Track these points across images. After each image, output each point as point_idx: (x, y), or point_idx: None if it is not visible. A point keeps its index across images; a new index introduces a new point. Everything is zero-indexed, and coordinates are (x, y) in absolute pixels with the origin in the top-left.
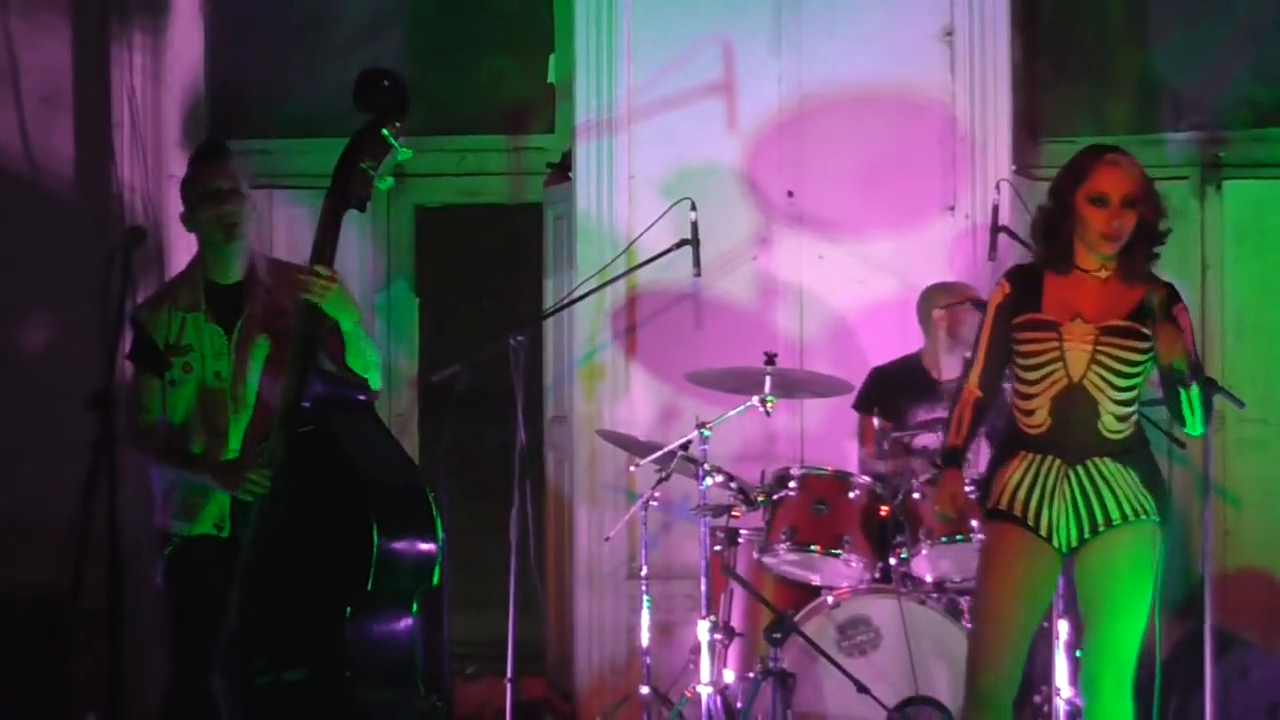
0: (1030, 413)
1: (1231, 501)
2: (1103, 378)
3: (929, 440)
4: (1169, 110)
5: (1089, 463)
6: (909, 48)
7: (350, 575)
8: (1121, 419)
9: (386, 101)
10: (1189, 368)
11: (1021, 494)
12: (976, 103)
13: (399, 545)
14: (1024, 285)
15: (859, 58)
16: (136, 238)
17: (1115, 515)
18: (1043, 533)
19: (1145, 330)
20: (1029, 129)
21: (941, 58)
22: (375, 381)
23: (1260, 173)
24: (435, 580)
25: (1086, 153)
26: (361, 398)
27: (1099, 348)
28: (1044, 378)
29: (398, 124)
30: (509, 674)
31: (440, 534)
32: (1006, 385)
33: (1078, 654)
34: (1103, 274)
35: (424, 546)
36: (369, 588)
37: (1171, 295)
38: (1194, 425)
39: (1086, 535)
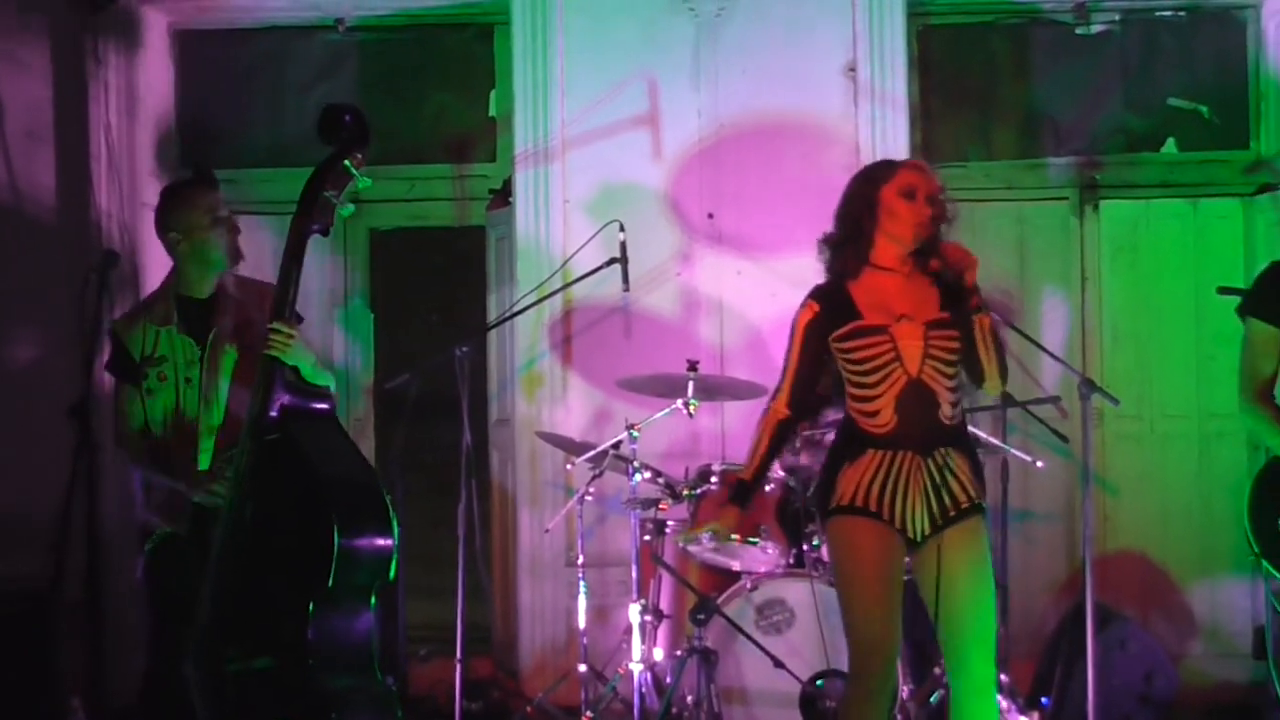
0: (874, 414)
1: (1110, 490)
2: (936, 369)
3: None
4: (1050, 137)
5: (937, 453)
6: (816, 83)
7: (313, 572)
8: (954, 405)
9: (348, 135)
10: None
11: (875, 489)
12: (877, 132)
13: (358, 544)
14: (831, 301)
15: (770, 92)
16: (111, 260)
17: (963, 498)
18: (895, 524)
19: (956, 319)
20: (925, 155)
21: (845, 91)
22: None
23: (1133, 193)
24: (392, 575)
25: (885, 161)
26: (323, 406)
27: (929, 342)
28: (884, 379)
29: (359, 155)
30: (458, 655)
31: (396, 533)
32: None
33: None
34: (904, 270)
35: (381, 544)
36: (330, 583)
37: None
38: (993, 382)
39: (939, 523)
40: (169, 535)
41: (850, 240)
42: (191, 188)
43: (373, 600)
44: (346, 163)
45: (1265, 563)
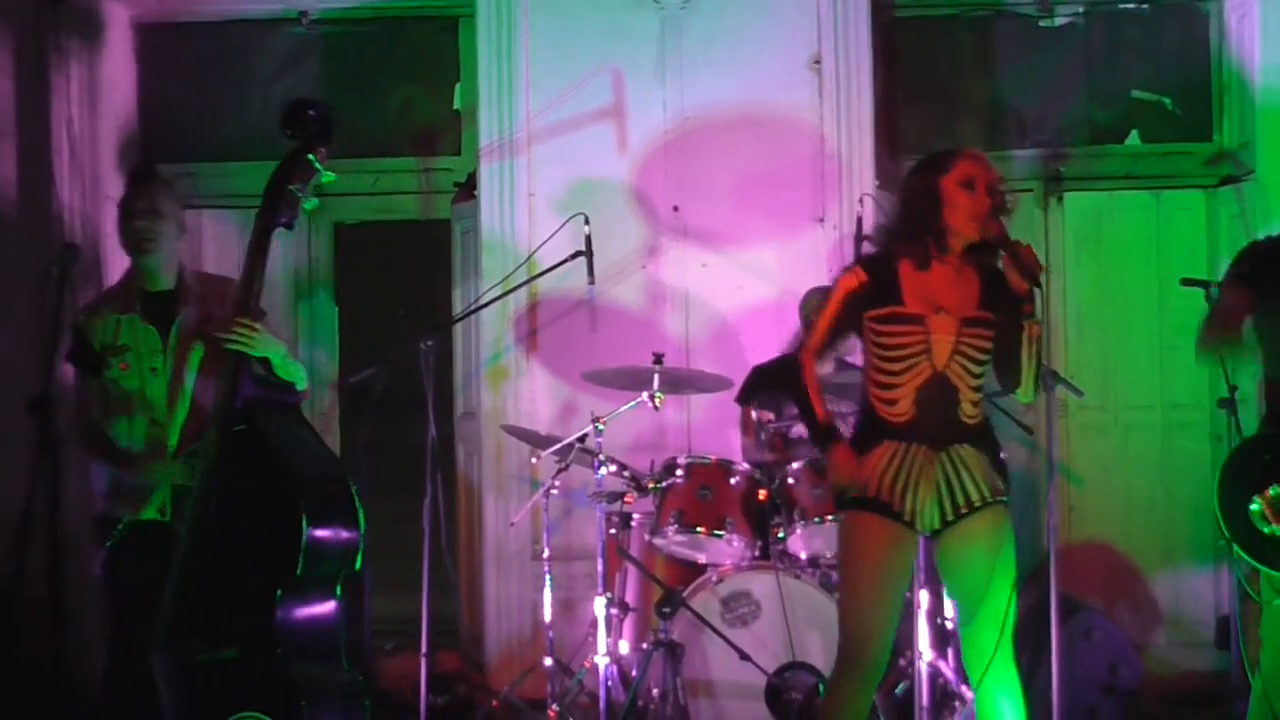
0: (893, 402)
1: (1075, 481)
2: (963, 366)
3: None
4: (1015, 130)
5: (951, 449)
6: (781, 75)
7: (281, 561)
8: (975, 404)
9: (312, 129)
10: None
11: (888, 481)
12: (842, 124)
13: (325, 534)
14: (879, 275)
15: (736, 85)
16: (72, 254)
17: (975, 497)
18: (906, 517)
19: (993, 319)
20: (890, 148)
21: (811, 84)
22: (302, 382)
23: (1097, 185)
24: (358, 565)
25: (945, 150)
26: (289, 399)
27: (961, 339)
28: (909, 369)
29: (322, 149)
30: (424, 649)
31: (362, 523)
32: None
33: (938, 621)
34: (954, 262)
35: (348, 535)
36: (298, 572)
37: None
38: (1026, 390)
39: (950, 518)
40: (132, 528)
41: (919, 233)
42: (126, 182)
43: (338, 590)
44: (311, 157)
45: (1235, 547)
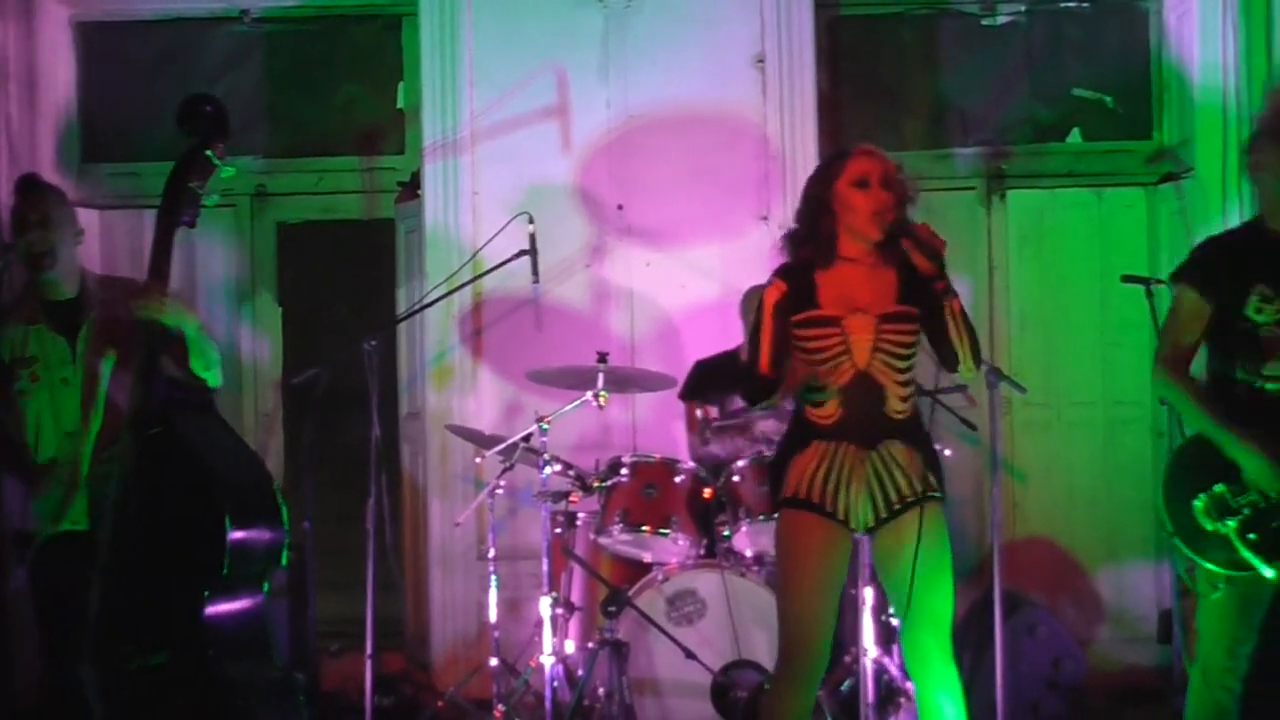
0: (822, 404)
1: (1018, 477)
2: (886, 363)
3: (768, 426)
4: (958, 128)
5: (881, 446)
6: (725, 74)
7: (206, 562)
8: (904, 399)
9: (209, 125)
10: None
11: (819, 481)
12: (786, 123)
13: (249, 532)
14: (797, 282)
15: (679, 83)
16: (7, 253)
17: (907, 492)
18: (840, 516)
19: (914, 311)
20: (833, 146)
21: (754, 83)
22: (215, 380)
23: (1039, 183)
24: (283, 561)
25: (836, 153)
26: (203, 398)
27: (880, 336)
28: (832, 370)
29: (220, 145)
30: (369, 650)
31: (285, 519)
32: None
33: (883, 618)
34: (868, 260)
35: (271, 532)
36: (224, 573)
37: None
38: (966, 365)
39: (882, 515)
40: (50, 541)
41: (811, 240)
42: (13, 193)
43: (265, 586)
44: (209, 153)
45: (1177, 540)
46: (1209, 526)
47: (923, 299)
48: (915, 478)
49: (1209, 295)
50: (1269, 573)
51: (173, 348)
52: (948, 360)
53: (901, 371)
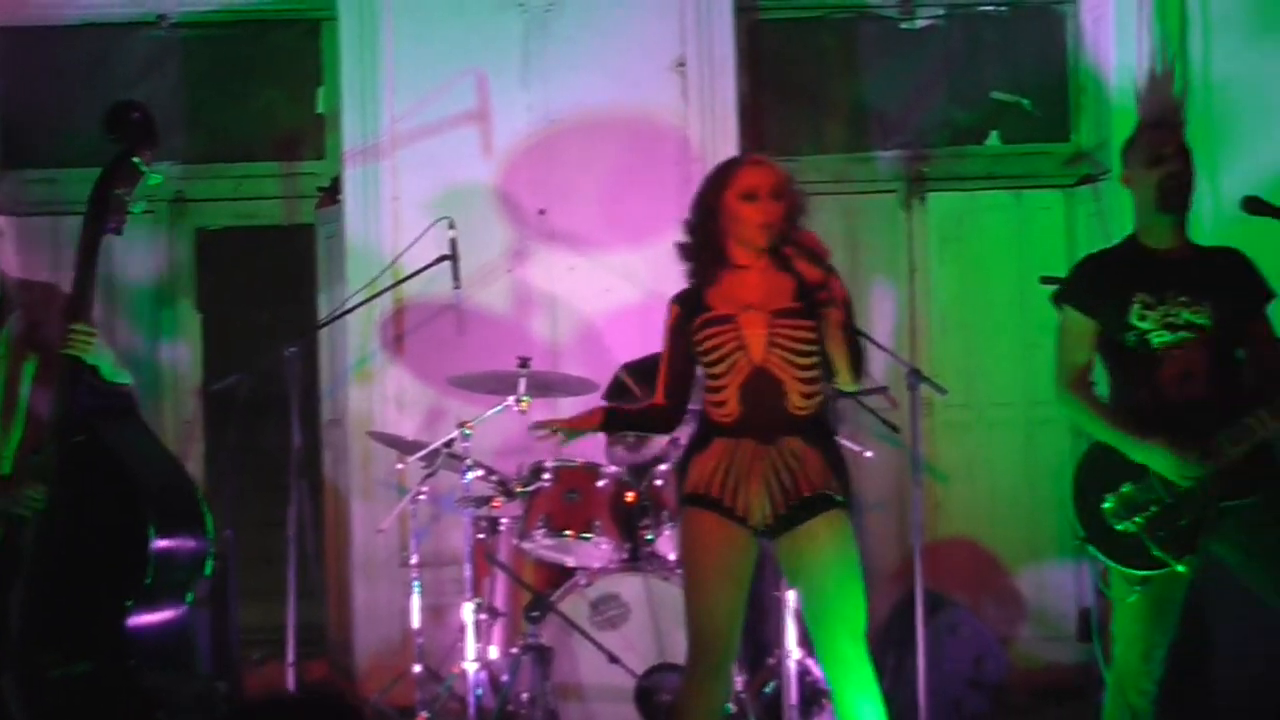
0: (721, 403)
1: (940, 478)
2: (784, 359)
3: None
4: (878, 131)
5: (780, 443)
6: (645, 78)
7: (128, 571)
8: (807, 396)
9: (136, 132)
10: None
11: (719, 478)
12: (707, 127)
13: (173, 541)
14: (690, 303)
15: (601, 87)
16: None
17: (806, 491)
18: (739, 513)
19: (808, 309)
20: (754, 149)
21: (675, 87)
22: (127, 377)
23: (959, 185)
24: (208, 571)
25: (726, 162)
26: (125, 404)
27: (774, 330)
28: (730, 368)
29: (147, 152)
30: (291, 658)
31: (210, 528)
32: None
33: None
34: (760, 264)
35: (196, 540)
36: (147, 581)
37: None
38: (844, 377)
39: (780, 511)
40: None
41: (700, 250)
42: None
43: (189, 596)
44: (136, 160)
45: (1090, 547)
46: (1119, 527)
47: (813, 303)
48: (814, 475)
49: (1092, 311)
50: (1181, 568)
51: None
52: (827, 369)
53: (802, 369)
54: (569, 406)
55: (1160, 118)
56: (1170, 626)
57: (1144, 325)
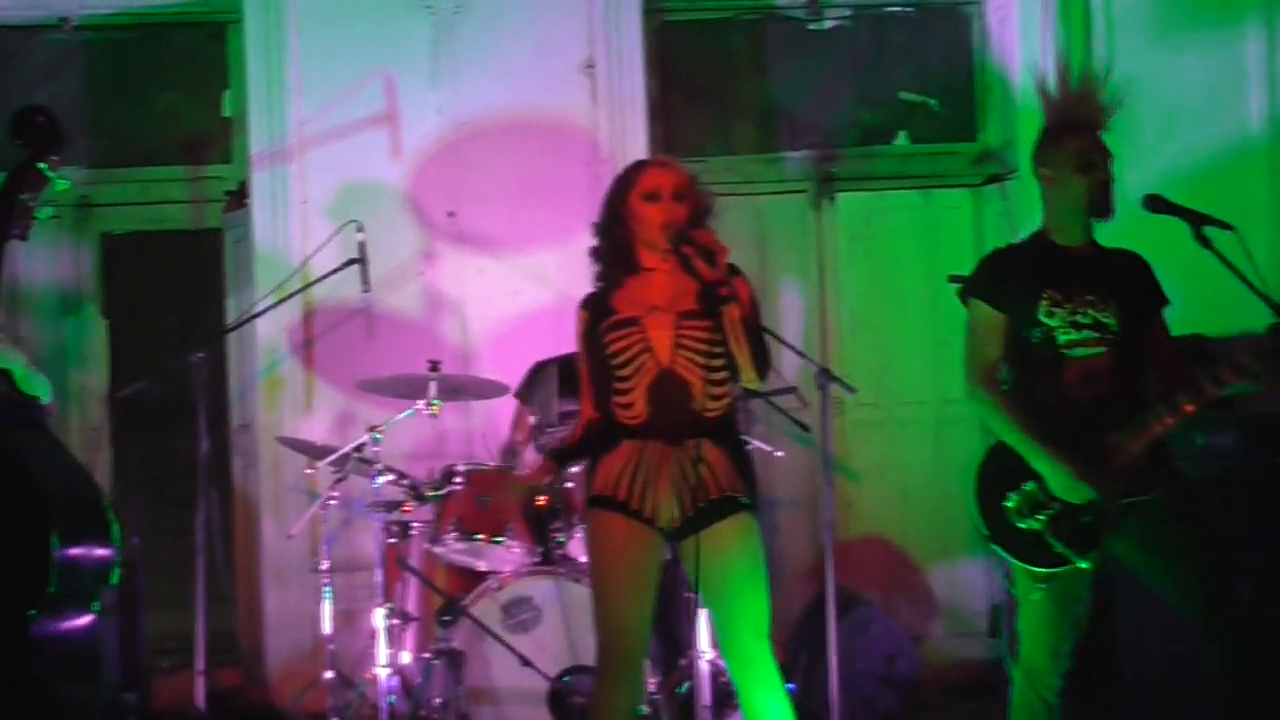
0: (629, 405)
1: (851, 477)
2: (691, 360)
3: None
4: (787, 132)
5: (689, 444)
6: (554, 80)
7: (33, 580)
8: (715, 398)
9: (42, 137)
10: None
11: (625, 480)
12: (616, 128)
13: (78, 549)
14: (597, 308)
15: (510, 89)
16: None
17: (714, 493)
18: (646, 514)
19: (711, 311)
20: (663, 151)
21: (584, 88)
22: (46, 396)
23: (868, 185)
24: (114, 579)
25: (632, 165)
26: (35, 414)
27: (680, 332)
28: (636, 369)
29: (54, 157)
30: (200, 666)
31: (117, 537)
32: None
33: None
34: (666, 266)
35: (101, 549)
36: (51, 590)
37: (731, 269)
38: (747, 374)
39: (689, 514)
40: None
41: (609, 253)
42: None
43: (96, 605)
44: (42, 165)
45: (994, 545)
46: (1021, 525)
47: (716, 304)
48: (722, 478)
49: (1001, 305)
50: (1084, 564)
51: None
52: (732, 369)
53: (710, 370)
54: (480, 409)
55: (1086, 120)
56: (1076, 622)
57: (1051, 323)
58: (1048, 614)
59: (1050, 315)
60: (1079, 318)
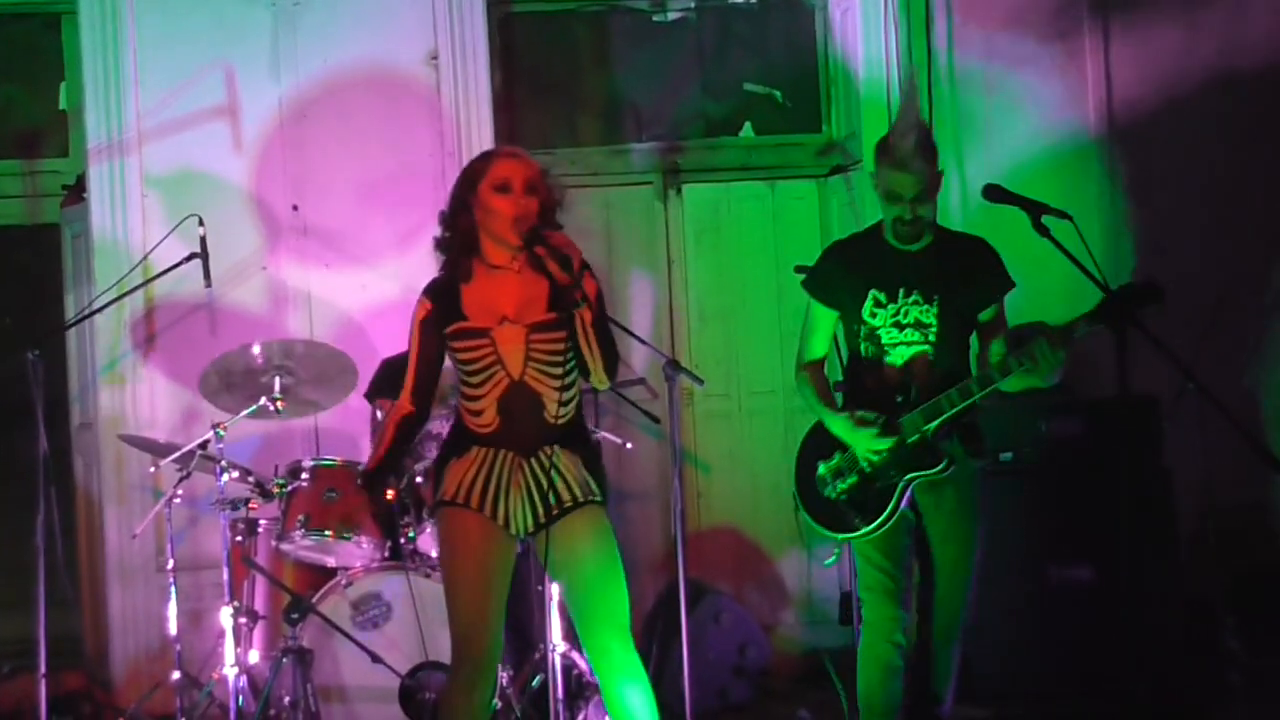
0: (479, 413)
1: (702, 468)
2: (541, 370)
3: (442, 428)
4: (632, 123)
5: (540, 452)
6: (399, 72)
7: None
8: (564, 404)
9: None
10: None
11: (477, 487)
12: (462, 120)
13: None
14: (444, 298)
15: (353, 82)
16: None
17: (567, 498)
18: (499, 521)
19: (562, 318)
20: (509, 143)
21: (429, 80)
22: None
23: (714, 177)
24: None
25: (481, 155)
26: None
27: (531, 346)
28: (486, 380)
29: None
30: (42, 669)
31: None
32: None
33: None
34: (515, 266)
35: None
36: None
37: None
38: (597, 376)
39: (543, 519)
40: None
41: (454, 244)
42: None
43: None
44: None
45: (801, 510)
46: (830, 493)
47: (565, 306)
48: (575, 483)
49: (831, 303)
50: (864, 528)
51: None
52: (581, 369)
53: (558, 379)
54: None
55: (903, 161)
56: (902, 568)
57: (874, 322)
58: (876, 566)
59: (873, 315)
60: (900, 318)
